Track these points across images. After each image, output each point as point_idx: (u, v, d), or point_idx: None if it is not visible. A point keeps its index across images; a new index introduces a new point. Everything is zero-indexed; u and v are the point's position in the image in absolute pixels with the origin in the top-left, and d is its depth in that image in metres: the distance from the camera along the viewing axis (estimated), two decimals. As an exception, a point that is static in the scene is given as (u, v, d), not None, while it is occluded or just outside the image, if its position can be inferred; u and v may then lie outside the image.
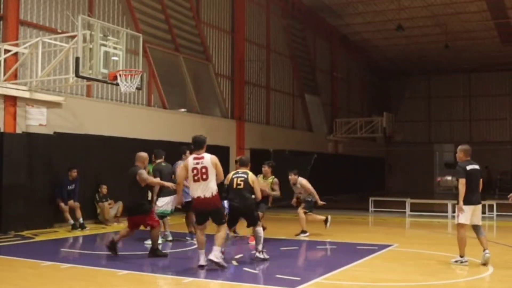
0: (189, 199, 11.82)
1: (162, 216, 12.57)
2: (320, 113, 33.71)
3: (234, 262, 10.31)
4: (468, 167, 10.08)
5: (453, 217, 19.67)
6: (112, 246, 10.88)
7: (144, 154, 11.07)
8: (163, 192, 12.46)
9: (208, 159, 9.59)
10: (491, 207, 20.19)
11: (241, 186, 10.51)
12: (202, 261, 9.63)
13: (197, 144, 9.84)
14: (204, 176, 9.50)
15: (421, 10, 29.51)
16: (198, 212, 9.92)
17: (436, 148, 45.79)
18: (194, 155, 9.76)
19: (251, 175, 10.75)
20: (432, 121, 44.56)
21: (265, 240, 11.22)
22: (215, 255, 9.45)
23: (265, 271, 9.91)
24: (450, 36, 32.15)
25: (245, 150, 23.90)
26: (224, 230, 9.86)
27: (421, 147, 43.57)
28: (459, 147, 10.48)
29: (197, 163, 9.57)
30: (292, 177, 14.20)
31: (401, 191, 37.71)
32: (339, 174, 31.66)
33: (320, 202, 14.40)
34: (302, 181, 14.21)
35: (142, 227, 11.16)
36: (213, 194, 9.56)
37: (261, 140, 24.77)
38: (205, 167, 9.52)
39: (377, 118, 34.06)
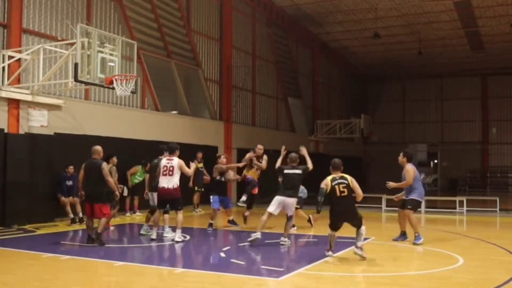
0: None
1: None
2: (302, 115, 33.83)
3: (222, 254, 10.40)
4: None
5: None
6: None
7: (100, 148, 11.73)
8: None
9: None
10: (461, 203, 20.37)
11: (345, 194, 10.17)
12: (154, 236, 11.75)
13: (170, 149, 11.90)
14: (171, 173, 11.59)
15: (396, 19, 29.70)
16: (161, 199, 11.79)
17: (410, 148, 46.05)
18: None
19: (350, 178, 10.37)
20: (406, 123, 44.76)
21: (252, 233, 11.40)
22: (179, 236, 11.56)
23: (251, 262, 10.00)
24: (423, 44, 32.42)
25: (232, 149, 23.98)
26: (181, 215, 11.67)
27: (396, 147, 43.71)
28: None
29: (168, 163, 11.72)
30: None
31: (378, 187, 37.80)
32: (320, 172, 31.66)
33: None
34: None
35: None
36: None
37: (247, 140, 24.81)
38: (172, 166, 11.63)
39: (355, 120, 34.21)
